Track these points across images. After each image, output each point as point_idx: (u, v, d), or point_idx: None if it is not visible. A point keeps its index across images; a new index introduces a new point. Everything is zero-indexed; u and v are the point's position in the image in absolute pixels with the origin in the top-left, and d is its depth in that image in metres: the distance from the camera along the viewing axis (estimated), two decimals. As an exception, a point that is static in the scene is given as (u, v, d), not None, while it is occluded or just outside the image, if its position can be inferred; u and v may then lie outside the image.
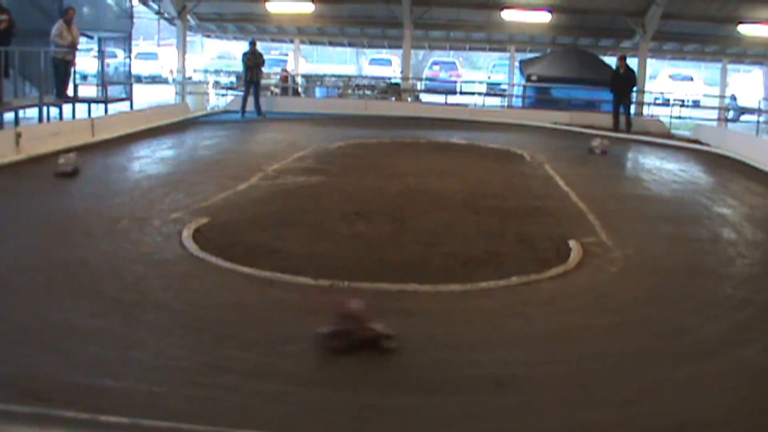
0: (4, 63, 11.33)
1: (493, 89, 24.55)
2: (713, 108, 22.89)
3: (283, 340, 4.27)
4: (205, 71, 26.32)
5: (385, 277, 5.46)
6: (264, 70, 18.65)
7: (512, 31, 21.76)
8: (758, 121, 18.59)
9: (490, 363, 4.00)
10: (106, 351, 4.01)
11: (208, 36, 26.83)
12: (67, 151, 10.67)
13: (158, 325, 4.50)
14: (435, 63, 33.71)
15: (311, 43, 26.84)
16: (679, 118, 19.58)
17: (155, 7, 21.32)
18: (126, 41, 18.16)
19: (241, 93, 18.37)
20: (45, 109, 12.18)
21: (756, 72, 29.55)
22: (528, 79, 20.28)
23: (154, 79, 28.03)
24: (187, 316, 4.69)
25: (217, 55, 43.18)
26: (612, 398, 3.71)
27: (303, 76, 24.71)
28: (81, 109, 13.56)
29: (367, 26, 22.62)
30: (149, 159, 10.97)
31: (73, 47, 13.22)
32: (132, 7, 18.85)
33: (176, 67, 22.01)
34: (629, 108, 17.34)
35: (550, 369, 4.02)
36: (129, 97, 15.82)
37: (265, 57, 19.37)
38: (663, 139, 15.70)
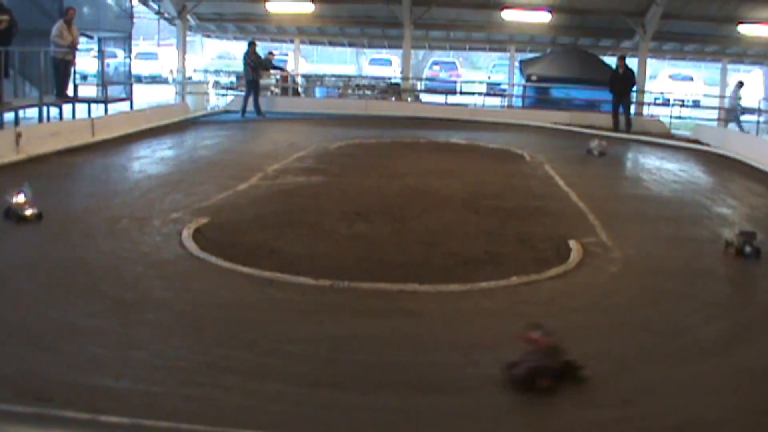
0: (4, 63, 11.32)
1: (493, 89, 24.52)
2: (713, 108, 22.87)
3: (283, 340, 4.27)
4: (205, 71, 26.28)
5: (385, 277, 5.46)
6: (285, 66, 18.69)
7: (512, 31, 21.74)
8: (758, 121, 18.58)
9: (490, 363, 4.00)
10: (106, 351, 4.01)
11: (208, 36, 26.83)
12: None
13: (158, 325, 4.50)
14: (435, 63, 33.70)
15: (311, 43, 26.83)
16: (679, 118, 19.57)
17: (155, 7, 21.31)
18: (126, 41, 18.13)
19: (241, 93, 18.35)
20: (45, 109, 12.17)
21: (756, 72, 29.53)
22: (528, 79, 20.27)
23: (154, 79, 28.00)
24: (187, 316, 4.69)
25: (217, 55, 43.17)
26: (612, 398, 3.71)
27: (303, 76, 24.69)
28: (81, 109, 13.55)
29: (367, 26, 22.59)
30: (149, 159, 10.97)
31: (73, 47, 13.21)
32: (132, 7, 18.82)
33: (176, 67, 21.99)
34: (629, 108, 17.34)
35: (550, 369, 4.01)
36: (129, 97, 15.81)
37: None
38: (663, 139, 15.70)
